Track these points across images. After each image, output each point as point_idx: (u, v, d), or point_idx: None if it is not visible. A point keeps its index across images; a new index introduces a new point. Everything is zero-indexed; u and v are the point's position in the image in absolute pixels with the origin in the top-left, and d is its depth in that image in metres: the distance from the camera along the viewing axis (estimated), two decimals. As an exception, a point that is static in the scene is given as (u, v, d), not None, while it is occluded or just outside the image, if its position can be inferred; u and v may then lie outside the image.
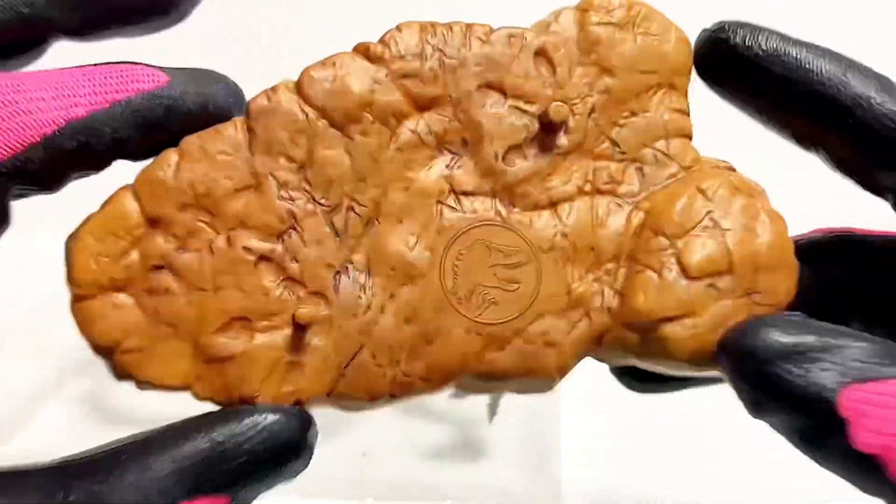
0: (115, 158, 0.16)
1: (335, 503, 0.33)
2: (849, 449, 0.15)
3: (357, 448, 0.35)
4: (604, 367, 0.21)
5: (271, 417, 0.16)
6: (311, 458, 0.17)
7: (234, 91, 0.17)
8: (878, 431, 0.14)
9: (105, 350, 0.16)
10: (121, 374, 0.17)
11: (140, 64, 0.17)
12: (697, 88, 0.19)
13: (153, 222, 0.17)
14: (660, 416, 0.34)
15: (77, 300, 0.16)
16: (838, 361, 0.15)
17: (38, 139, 0.15)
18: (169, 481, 0.15)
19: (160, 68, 0.17)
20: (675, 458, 0.29)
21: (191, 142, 0.17)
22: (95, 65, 0.16)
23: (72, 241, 0.16)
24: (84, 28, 0.16)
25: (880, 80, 0.17)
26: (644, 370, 0.20)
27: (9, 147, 0.15)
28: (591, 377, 0.20)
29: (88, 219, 0.17)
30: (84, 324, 0.16)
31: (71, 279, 0.16)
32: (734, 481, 0.27)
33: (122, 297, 0.16)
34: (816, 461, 0.16)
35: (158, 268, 0.17)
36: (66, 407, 0.39)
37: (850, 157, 0.18)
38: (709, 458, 0.31)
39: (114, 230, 0.16)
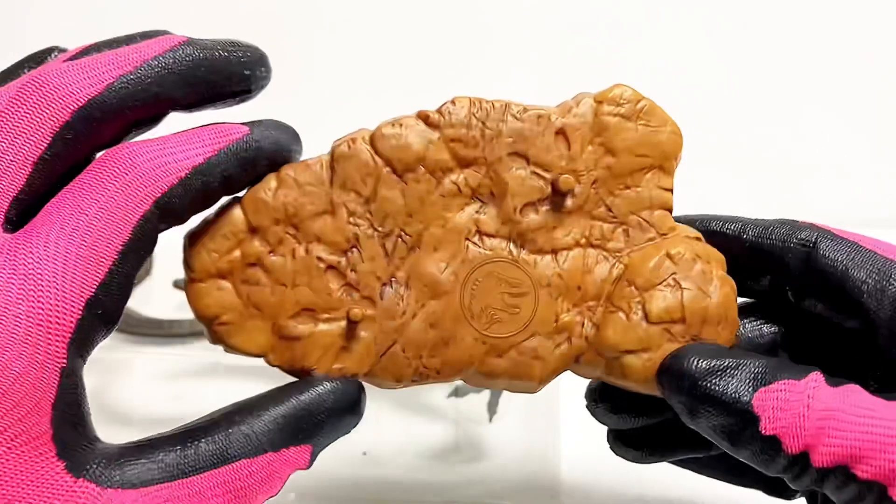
0: (224, 195, 0.22)
1: (335, 503, 0.34)
2: (760, 435, 0.20)
3: (357, 448, 0.36)
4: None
5: (340, 384, 0.22)
6: (362, 415, 0.22)
7: (292, 133, 0.23)
8: (774, 419, 0.20)
9: (206, 320, 0.22)
10: (215, 340, 0.22)
11: (226, 122, 0.22)
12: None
13: (253, 230, 0.22)
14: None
15: (191, 281, 0.22)
16: (748, 373, 0.21)
17: (177, 181, 0.20)
18: (272, 433, 0.20)
19: (240, 123, 0.22)
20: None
21: (287, 173, 0.22)
22: (199, 126, 0.21)
23: (191, 237, 0.22)
24: (195, 104, 0.22)
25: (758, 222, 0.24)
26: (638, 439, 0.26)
27: (160, 188, 0.20)
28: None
29: (206, 222, 0.22)
30: (194, 299, 0.22)
31: (189, 266, 0.22)
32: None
33: (223, 283, 0.22)
34: (735, 453, 0.21)
35: (253, 265, 0.22)
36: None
37: (745, 273, 0.24)
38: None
39: (224, 233, 0.22)
